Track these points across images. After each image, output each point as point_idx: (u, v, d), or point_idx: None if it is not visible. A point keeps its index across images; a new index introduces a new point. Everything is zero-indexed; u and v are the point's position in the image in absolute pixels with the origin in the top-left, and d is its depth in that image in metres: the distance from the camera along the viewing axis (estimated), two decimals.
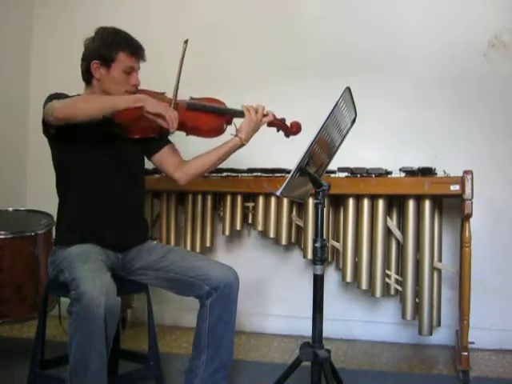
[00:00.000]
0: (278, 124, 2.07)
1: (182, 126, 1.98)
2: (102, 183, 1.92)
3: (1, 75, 3.15)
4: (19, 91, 3.30)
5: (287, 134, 2.09)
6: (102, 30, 1.92)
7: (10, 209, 2.61)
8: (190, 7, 3.12)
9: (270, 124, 2.06)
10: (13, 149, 3.14)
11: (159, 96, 2.03)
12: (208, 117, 2.02)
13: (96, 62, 1.89)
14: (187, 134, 2.03)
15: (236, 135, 2.00)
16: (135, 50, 1.92)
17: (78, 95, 1.97)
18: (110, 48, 1.88)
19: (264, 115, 2.01)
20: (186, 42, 1.93)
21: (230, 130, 2.05)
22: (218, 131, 2.03)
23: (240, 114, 2.02)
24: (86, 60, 1.91)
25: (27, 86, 3.35)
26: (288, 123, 2.08)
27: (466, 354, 2.21)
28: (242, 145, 2.01)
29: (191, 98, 2.05)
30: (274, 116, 2.05)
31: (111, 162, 1.92)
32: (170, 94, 1.99)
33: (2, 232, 2.27)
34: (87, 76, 1.93)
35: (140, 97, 1.77)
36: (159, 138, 2.03)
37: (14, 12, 3.23)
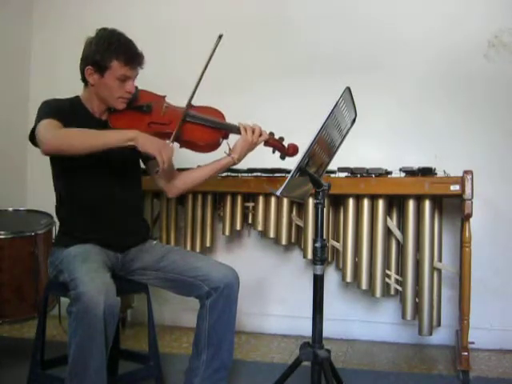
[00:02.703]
0: (274, 144, 2.04)
1: (177, 139, 1.91)
2: (100, 185, 1.92)
3: (1, 75, 3.15)
4: (19, 91, 3.30)
5: (283, 156, 2.06)
6: (100, 32, 1.88)
7: (10, 209, 2.62)
8: (184, 7, 3.12)
9: (266, 143, 2.04)
10: (13, 149, 3.14)
11: (159, 100, 1.99)
12: (204, 131, 1.96)
13: (90, 67, 1.86)
14: (181, 147, 1.98)
15: (229, 154, 1.99)
16: (130, 58, 1.86)
17: (77, 97, 1.96)
18: (104, 55, 1.83)
19: (260, 135, 2.00)
20: (220, 36, 1.84)
21: (224, 144, 2.02)
22: (214, 146, 1.98)
23: (237, 130, 1.99)
24: (83, 63, 1.89)
25: (27, 86, 3.34)
26: (286, 144, 2.05)
27: (465, 354, 2.21)
28: (234, 163, 2.01)
29: (191, 106, 1.97)
30: (271, 136, 2.03)
31: (109, 164, 1.91)
32: (171, 96, 1.97)
33: (2, 232, 2.27)
34: (84, 78, 1.91)
35: (132, 135, 1.70)
36: None
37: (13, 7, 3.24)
